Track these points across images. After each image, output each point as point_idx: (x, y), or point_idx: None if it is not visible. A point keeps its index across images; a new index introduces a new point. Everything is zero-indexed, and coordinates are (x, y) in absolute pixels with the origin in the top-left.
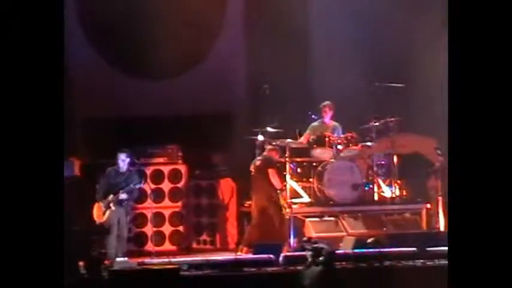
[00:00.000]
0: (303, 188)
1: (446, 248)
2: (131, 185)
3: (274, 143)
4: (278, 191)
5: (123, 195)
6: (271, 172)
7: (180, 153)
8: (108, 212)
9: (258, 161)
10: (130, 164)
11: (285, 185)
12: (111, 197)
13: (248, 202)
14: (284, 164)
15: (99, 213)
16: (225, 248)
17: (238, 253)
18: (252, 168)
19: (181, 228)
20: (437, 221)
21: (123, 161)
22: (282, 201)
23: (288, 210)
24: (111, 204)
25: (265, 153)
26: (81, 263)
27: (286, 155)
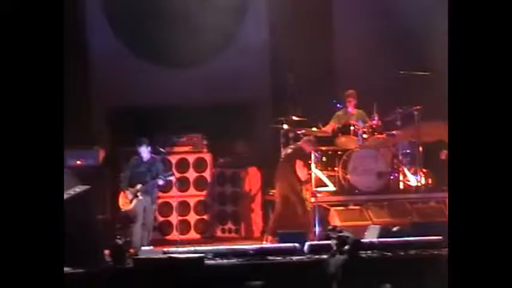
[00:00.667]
0: (328, 176)
1: None
2: (162, 177)
3: (299, 132)
4: (302, 183)
5: (149, 184)
6: (299, 163)
7: (204, 142)
8: (135, 201)
9: (289, 149)
10: (153, 152)
11: (310, 178)
12: (139, 186)
13: (273, 190)
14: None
15: (125, 201)
16: (249, 237)
17: (264, 242)
18: (282, 155)
19: (206, 216)
20: None
21: (144, 150)
22: (304, 194)
23: (312, 200)
24: (139, 194)
25: (299, 142)
26: (106, 251)
27: None
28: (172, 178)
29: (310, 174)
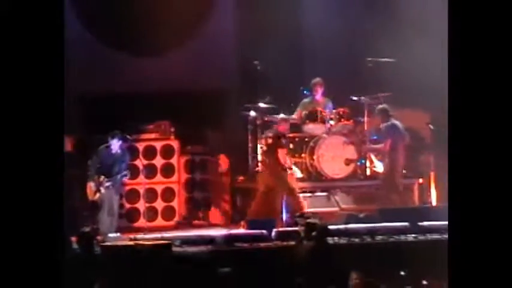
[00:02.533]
0: (295, 163)
1: (438, 223)
2: (118, 176)
3: (266, 118)
4: (286, 170)
5: (108, 184)
6: (281, 151)
7: (172, 129)
8: (98, 194)
9: (268, 138)
10: (122, 145)
11: (296, 162)
12: (102, 178)
13: (241, 177)
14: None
15: (90, 192)
16: (217, 224)
17: (241, 228)
18: (263, 143)
19: (173, 203)
20: (429, 196)
21: (115, 143)
22: (290, 181)
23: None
24: (101, 188)
25: (275, 125)
26: (73, 239)
27: None
28: (126, 177)
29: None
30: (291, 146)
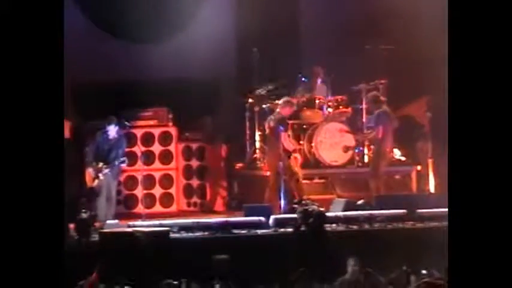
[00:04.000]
0: (294, 150)
1: (435, 210)
2: (116, 163)
3: (264, 106)
4: (291, 154)
5: (106, 170)
6: (284, 135)
7: (170, 116)
8: (97, 180)
9: (271, 122)
10: (119, 131)
11: (298, 149)
12: (100, 164)
13: (239, 164)
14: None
15: (89, 178)
16: (215, 210)
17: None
18: (266, 127)
19: (171, 190)
20: (427, 183)
21: (112, 129)
22: (292, 165)
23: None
24: (99, 174)
25: (277, 110)
26: (71, 225)
27: None
28: (124, 164)
29: (298, 143)
30: (289, 132)
